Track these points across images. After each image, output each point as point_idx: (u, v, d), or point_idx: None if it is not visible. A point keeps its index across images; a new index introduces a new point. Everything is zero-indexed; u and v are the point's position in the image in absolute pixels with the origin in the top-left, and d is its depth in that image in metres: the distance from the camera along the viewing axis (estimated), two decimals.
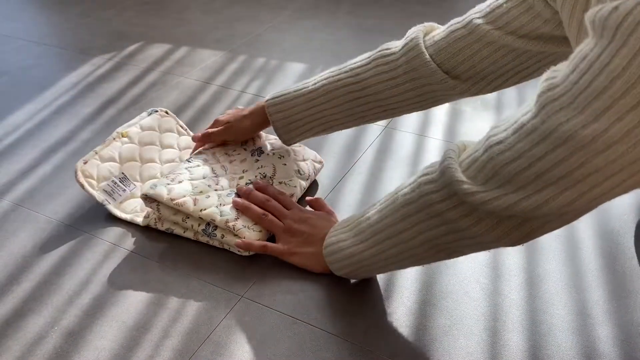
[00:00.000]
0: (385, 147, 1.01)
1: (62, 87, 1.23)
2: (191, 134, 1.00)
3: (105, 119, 1.11)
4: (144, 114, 0.97)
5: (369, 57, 0.76)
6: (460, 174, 0.53)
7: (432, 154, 0.98)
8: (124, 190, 0.87)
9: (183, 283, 0.73)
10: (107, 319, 0.68)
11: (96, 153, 0.88)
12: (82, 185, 0.85)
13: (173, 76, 1.27)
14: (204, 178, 0.83)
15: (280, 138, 0.85)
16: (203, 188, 0.81)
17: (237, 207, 0.78)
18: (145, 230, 0.82)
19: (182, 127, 0.99)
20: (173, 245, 0.79)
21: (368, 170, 0.94)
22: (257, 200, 0.79)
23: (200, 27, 1.54)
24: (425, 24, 0.77)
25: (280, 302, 0.70)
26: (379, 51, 0.76)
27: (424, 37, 0.74)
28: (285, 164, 0.88)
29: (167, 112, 0.99)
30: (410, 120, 1.08)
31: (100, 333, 0.67)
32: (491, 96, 1.15)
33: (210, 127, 0.89)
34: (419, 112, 1.10)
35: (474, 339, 0.65)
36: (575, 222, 0.80)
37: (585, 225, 0.82)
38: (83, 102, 1.17)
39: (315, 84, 0.79)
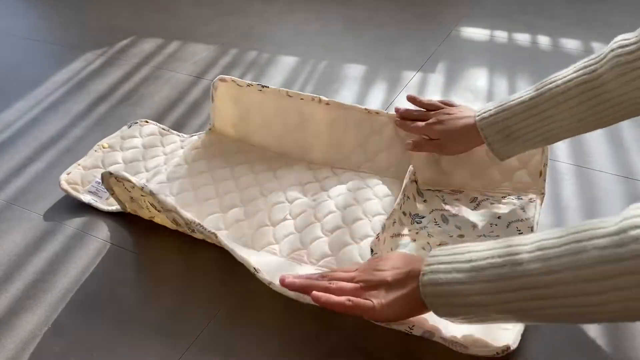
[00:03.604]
0: None
1: (53, 83, 1.23)
2: (174, 132, 1.01)
3: (97, 116, 1.11)
4: (124, 127, 1.00)
5: (604, 50, 0.67)
6: None
7: None
8: None
9: (176, 279, 0.74)
10: (100, 317, 0.69)
11: (79, 165, 0.91)
12: (66, 192, 0.87)
13: (165, 71, 1.27)
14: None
15: (495, 153, 0.76)
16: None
17: (321, 304, 0.60)
18: (137, 228, 0.82)
19: (164, 129, 1.01)
20: (166, 243, 0.79)
21: None
22: (320, 287, 0.62)
23: (191, 21, 1.53)
24: None
25: (274, 299, 0.70)
26: (615, 42, 0.66)
27: None
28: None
29: (147, 121, 1.01)
30: None
31: (93, 330, 0.67)
32: (482, 87, 1.16)
33: (419, 119, 0.84)
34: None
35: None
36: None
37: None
38: (75, 98, 1.17)
39: (537, 90, 0.71)
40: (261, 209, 0.81)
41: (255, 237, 0.77)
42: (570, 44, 1.31)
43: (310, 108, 0.90)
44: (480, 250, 0.54)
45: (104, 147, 0.94)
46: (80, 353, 0.64)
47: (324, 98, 0.89)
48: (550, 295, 0.49)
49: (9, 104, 1.15)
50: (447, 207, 0.82)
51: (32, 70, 1.29)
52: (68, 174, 0.89)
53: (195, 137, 0.99)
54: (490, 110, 0.75)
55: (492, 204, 0.81)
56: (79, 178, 0.89)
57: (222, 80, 0.92)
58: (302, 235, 0.77)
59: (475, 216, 0.80)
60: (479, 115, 0.75)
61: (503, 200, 0.81)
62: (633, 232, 0.45)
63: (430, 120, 0.82)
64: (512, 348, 0.58)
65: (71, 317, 0.69)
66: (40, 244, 0.80)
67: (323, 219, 0.78)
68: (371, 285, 0.60)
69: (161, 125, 1.01)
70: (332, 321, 0.67)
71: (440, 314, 0.56)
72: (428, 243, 0.76)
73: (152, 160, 0.94)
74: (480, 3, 1.57)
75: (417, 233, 0.78)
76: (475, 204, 0.82)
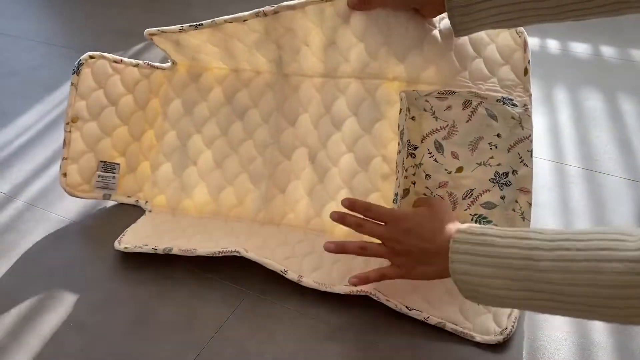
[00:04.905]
0: None
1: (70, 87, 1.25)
2: (127, 62, 0.89)
3: None
4: (74, 76, 0.87)
5: None
6: None
7: None
8: (113, 176, 0.88)
9: (192, 278, 0.76)
10: (119, 314, 0.71)
11: (66, 159, 0.86)
12: (78, 197, 0.87)
13: None
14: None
15: (453, 26, 0.69)
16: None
17: (335, 218, 0.69)
18: None
19: (115, 62, 0.89)
20: None
21: None
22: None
23: None
24: None
25: (288, 297, 0.73)
26: None
27: None
28: None
29: (92, 56, 0.87)
30: None
31: (113, 328, 0.69)
32: None
33: None
34: None
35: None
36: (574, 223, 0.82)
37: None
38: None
39: None
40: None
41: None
42: (580, 47, 1.32)
43: (260, 25, 0.80)
44: (503, 246, 0.56)
45: (74, 122, 0.86)
46: (100, 349, 0.67)
47: (268, 9, 0.77)
48: (572, 302, 0.52)
49: (28, 107, 1.18)
50: (439, 122, 0.74)
51: (49, 74, 1.32)
52: (65, 175, 0.85)
53: (158, 72, 0.90)
54: None
55: (487, 110, 0.72)
56: (78, 176, 0.86)
57: (151, 34, 0.83)
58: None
59: (471, 132, 0.73)
60: None
61: (498, 107, 0.72)
62: None
63: None
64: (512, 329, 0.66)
65: (91, 315, 0.71)
66: (60, 244, 0.83)
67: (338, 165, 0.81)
68: (398, 253, 0.65)
69: (110, 56, 0.88)
70: (349, 313, 0.69)
71: (467, 298, 0.60)
72: (427, 187, 0.75)
73: (132, 120, 0.89)
74: None
75: (414, 174, 0.75)
76: (469, 112, 0.73)
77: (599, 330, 0.67)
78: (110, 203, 0.89)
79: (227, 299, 0.73)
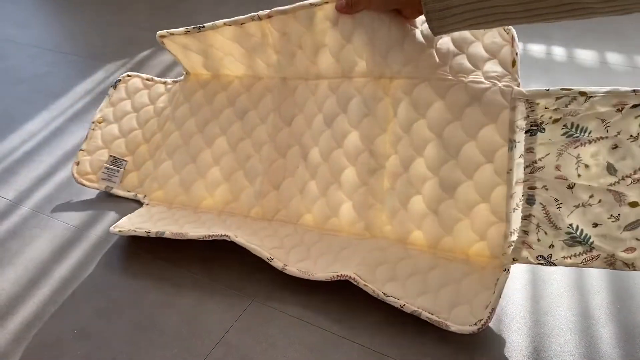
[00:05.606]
0: None
1: (76, 94, 1.26)
2: (158, 80, 1.00)
3: None
4: (110, 89, 1.01)
5: None
6: None
7: None
8: (118, 170, 0.93)
9: (196, 285, 0.76)
10: (123, 322, 0.71)
11: (83, 150, 0.95)
12: (83, 184, 0.92)
13: None
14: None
15: (431, 29, 0.72)
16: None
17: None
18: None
19: (148, 80, 1.01)
20: (186, 249, 0.81)
21: None
22: None
23: None
24: None
25: (290, 305, 0.72)
26: None
27: None
28: None
29: (129, 75, 1.02)
30: None
31: (116, 335, 0.69)
32: None
33: None
34: None
35: (478, 339, 0.67)
36: None
37: None
38: (97, 109, 1.20)
39: None
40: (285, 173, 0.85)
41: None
42: (585, 54, 1.32)
43: (257, 29, 0.83)
44: None
45: (99, 123, 0.97)
46: (103, 357, 0.67)
47: (262, 13, 0.81)
48: None
49: (34, 114, 1.18)
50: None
51: (55, 81, 1.32)
52: (77, 163, 0.94)
53: (176, 85, 0.97)
54: None
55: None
56: (88, 166, 0.94)
57: (162, 36, 0.92)
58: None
59: None
60: None
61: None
62: None
63: None
64: (489, 319, 0.64)
65: (94, 322, 0.71)
66: (64, 251, 0.83)
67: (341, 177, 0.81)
68: None
69: (144, 76, 1.02)
70: (353, 321, 0.69)
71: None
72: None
73: (147, 125, 0.96)
74: None
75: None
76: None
77: (605, 340, 0.66)
78: (115, 211, 0.89)
79: (230, 306, 0.73)
